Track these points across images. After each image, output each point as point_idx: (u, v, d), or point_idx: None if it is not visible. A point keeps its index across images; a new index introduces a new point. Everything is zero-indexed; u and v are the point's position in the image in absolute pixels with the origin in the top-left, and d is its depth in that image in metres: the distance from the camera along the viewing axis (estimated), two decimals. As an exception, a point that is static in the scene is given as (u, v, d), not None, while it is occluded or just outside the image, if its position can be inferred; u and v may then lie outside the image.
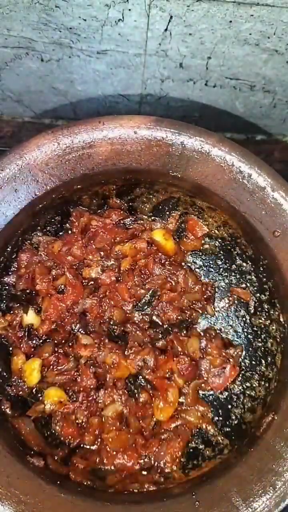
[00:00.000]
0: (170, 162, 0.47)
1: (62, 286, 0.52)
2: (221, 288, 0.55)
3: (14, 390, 0.49)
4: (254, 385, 0.51)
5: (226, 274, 0.56)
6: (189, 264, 0.56)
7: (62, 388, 0.50)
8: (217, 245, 0.56)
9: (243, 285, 0.55)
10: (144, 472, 0.47)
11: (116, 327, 0.53)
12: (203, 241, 0.56)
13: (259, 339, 0.53)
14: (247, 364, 0.53)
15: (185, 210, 0.55)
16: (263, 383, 0.51)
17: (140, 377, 0.50)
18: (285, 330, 0.49)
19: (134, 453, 0.48)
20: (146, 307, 0.53)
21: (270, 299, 0.52)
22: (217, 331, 0.54)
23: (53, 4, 0.48)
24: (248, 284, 0.55)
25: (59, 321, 0.52)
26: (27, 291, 0.52)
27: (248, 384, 0.52)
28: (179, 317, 0.53)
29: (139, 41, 0.53)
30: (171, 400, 0.49)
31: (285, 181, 0.46)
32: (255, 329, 0.54)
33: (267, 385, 0.50)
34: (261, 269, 0.52)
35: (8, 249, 0.51)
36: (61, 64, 0.59)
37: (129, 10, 0.49)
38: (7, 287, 0.52)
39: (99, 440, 0.48)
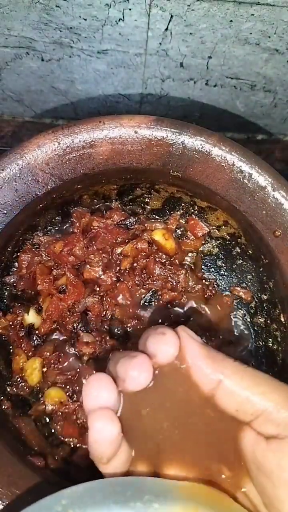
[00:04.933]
0: (170, 162, 0.47)
1: (64, 286, 0.52)
2: (222, 288, 0.55)
3: (15, 390, 0.49)
4: (255, 385, 0.51)
5: (226, 273, 0.56)
6: (189, 264, 0.56)
7: (63, 388, 0.50)
8: (217, 244, 0.56)
9: (244, 285, 0.55)
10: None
11: (117, 324, 0.53)
12: (203, 241, 0.56)
13: (260, 339, 0.53)
14: (247, 364, 0.53)
15: (185, 210, 0.55)
16: (263, 382, 0.51)
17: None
18: (285, 330, 0.49)
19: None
20: (147, 307, 0.53)
21: (271, 298, 0.52)
22: (218, 331, 0.54)
23: (53, 3, 0.48)
24: (249, 284, 0.55)
25: (60, 321, 0.52)
26: (28, 291, 0.52)
27: (248, 384, 0.52)
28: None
29: (140, 40, 0.53)
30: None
31: (286, 181, 0.46)
32: (256, 328, 0.54)
33: (267, 384, 0.50)
34: (262, 268, 0.52)
35: (9, 249, 0.51)
36: (61, 64, 0.59)
37: (130, 9, 0.49)
38: (8, 287, 0.52)
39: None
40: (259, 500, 0.30)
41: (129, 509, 0.27)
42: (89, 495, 0.28)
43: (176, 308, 0.54)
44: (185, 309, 0.54)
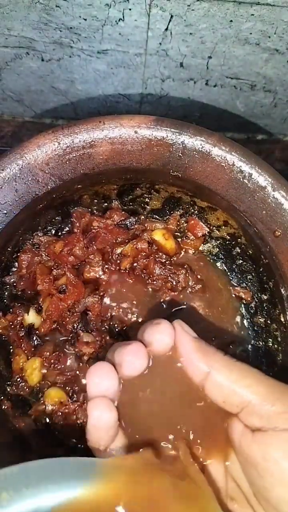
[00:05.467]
0: (170, 162, 0.47)
1: (64, 286, 0.52)
2: (222, 288, 0.55)
3: (15, 390, 0.49)
4: (255, 385, 0.51)
5: (227, 273, 0.56)
6: (190, 264, 0.56)
7: (63, 388, 0.50)
8: (217, 244, 0.56)
9: (244, 285, 0.55)
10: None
11: (117, 324, 0.53)
12: (203, 241, 0.56)
13: (260, 339, 0.53)
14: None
15: (185, 210, 0.55)
16: (263, 382, 0.51)
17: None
18: (285, 330, 0.49)
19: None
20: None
21: (271, 298, 0.52)
22: (218, 331, 0.54)
23: (53, 3, 0.48)
24: (249, 284, 0.55)
25: (60, 321, 0.52)
26: (28, 291, 0.52)
27: (248, 384, 0.52)
28: (179, 317, 0.53)
29: (140, 40, 0.53)
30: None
31: (286, 181, 0.46)
32: (256, 328, 0.54)
33: (267, 384, 0.50)
34: (262, 268, 0.52)
35: (9, 249, 0.51)
36: (61, 64, 0.59)
37: (130, 9, 0.49)
38: (8, 287, 0.52)
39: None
40: (249, 490, 0.32)
41: (64, 489, 0.27)
42: (24, 476, 0.27)
43: (176, 308, 0.54)
44: (185, 309, 0.54)
